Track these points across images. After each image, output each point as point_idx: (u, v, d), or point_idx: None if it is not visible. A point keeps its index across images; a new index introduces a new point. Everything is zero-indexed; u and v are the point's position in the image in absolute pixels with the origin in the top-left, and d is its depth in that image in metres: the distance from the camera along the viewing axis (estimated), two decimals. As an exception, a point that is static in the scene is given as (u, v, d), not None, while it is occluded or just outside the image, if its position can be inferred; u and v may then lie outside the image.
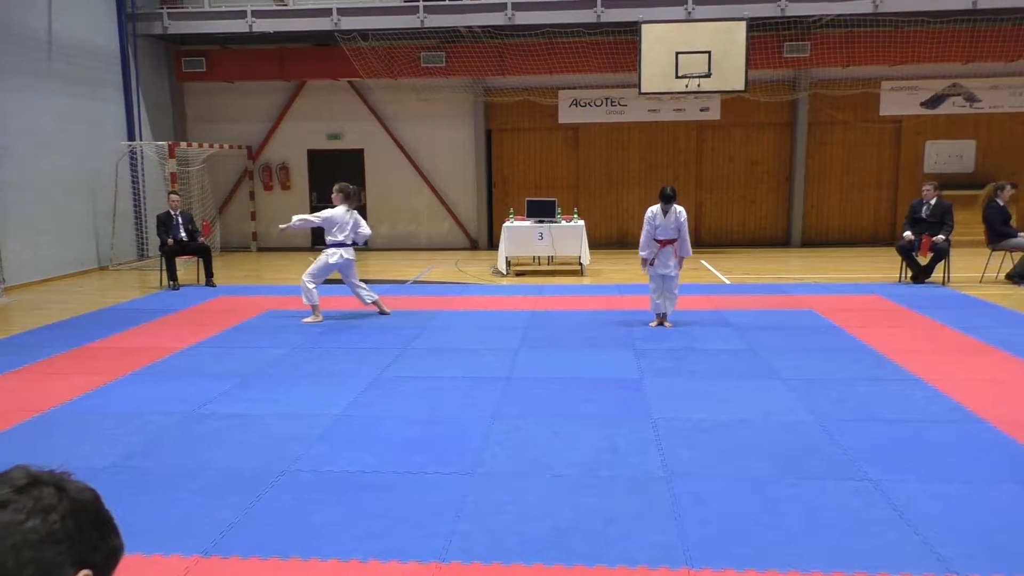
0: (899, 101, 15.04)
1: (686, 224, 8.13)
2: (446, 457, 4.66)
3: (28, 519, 0.87)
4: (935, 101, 14.98)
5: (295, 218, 8.87)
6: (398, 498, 4.10)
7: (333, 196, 8.91)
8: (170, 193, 11.97)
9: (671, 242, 8.06)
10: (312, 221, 8.92)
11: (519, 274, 12.29)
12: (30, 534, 0.86)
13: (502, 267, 12.27)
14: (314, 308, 8.77)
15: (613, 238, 15.73)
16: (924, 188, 10.80)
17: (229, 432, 5.17)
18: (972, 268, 11.28)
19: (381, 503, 4.04)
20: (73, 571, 0.89)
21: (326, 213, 8.81)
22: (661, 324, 8.20)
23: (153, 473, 4.49)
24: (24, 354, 7.36)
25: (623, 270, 12.42)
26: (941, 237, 10.36)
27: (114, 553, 0.96)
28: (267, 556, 3.50)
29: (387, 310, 9.06)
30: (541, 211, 12.39)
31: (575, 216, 12.65)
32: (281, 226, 9.07)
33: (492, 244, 15.46)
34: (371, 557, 3.48)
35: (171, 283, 11.11)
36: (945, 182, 12.76)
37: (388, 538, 3.65)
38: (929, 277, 10.71)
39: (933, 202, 10.61)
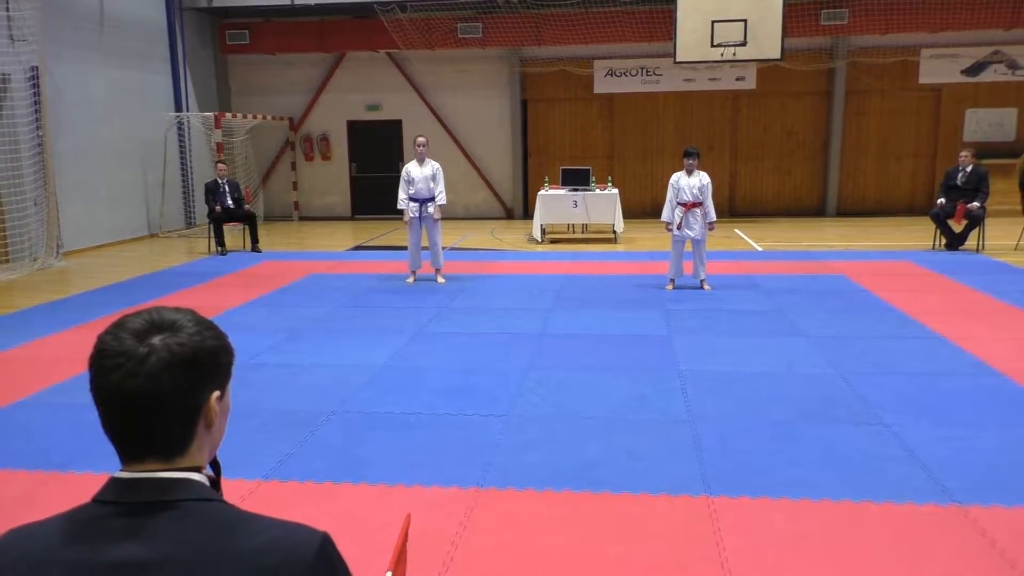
0: (939, 69, 14.88)
1: (710, 188, 8.31)
2: (483, 402, 4.97)
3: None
4: (976, 69, 14.79)
5: (440, 199, 8.97)
6: (439, 435, 4.43)
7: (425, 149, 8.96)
8: (217, 162, 12.40)
9: (697, 205, 8.25)
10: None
11: (553, 241, 12.53)
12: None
13: (537, 235, 12.52)
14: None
15: (647, 207, 15.83)
16: (961, 155, 10.79)
17: (281, 379, 5.54)
18: (1008, 236, 11.26)
19: (424, 439, 4.37)
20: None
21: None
22: (701, 287, 8.40)
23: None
24: (83, 312, 7.81)
25: (656, 238, 12.58)
26: (976, 204, 10.38)
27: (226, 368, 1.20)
28: (321, 481, 3.85)
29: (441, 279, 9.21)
30: (576, 180, 12.59)
31: (609, 185, 12.83)
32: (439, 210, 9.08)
33: (527, 213, 15.69)
34: (415, 483, 3.81)
35: (219, 248, 11.56)
36: (985, 151, 12.69)
37: (430, 468, 3.98)
38: (963, 244, 10.72)
39: (969, 169, 10.61)
